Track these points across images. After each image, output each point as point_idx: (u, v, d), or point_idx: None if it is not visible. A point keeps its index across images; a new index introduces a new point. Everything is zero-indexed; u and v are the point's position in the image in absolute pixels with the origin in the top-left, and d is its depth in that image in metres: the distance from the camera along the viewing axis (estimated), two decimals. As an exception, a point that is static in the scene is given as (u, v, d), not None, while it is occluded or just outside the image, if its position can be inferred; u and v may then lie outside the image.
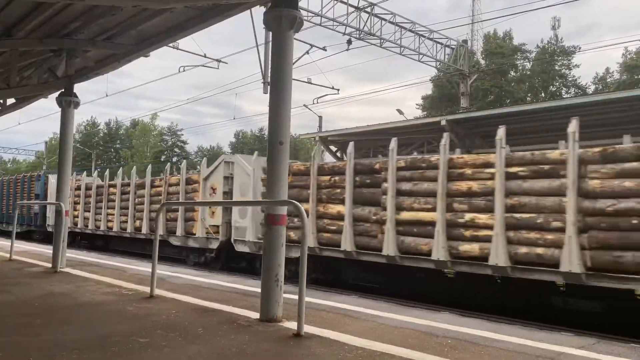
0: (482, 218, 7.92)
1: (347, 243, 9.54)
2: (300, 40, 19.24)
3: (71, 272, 8.47)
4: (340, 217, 9.77)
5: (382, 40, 20.73)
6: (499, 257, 7.57)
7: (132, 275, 8.37)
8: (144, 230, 14.90)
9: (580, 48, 41.42)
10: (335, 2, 18.93)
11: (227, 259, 12.83)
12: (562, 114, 12.20)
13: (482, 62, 42.69)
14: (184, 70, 22.02)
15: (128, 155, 63.62)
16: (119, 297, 6.26)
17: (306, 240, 4.57)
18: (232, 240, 12.05)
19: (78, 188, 18.44)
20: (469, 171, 8.27)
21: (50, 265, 8.97)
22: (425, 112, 43.50)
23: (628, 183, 6.68)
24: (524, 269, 7.48)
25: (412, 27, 21.71)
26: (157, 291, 6.32)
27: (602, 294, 7.10)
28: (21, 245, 13.58)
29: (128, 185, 16.00)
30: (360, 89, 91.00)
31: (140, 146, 63.54)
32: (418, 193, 8.79)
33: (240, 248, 11.93)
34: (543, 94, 42.58)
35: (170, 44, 12.23)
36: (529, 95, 42.80)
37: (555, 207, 7.26)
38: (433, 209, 8.47)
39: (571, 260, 6.92)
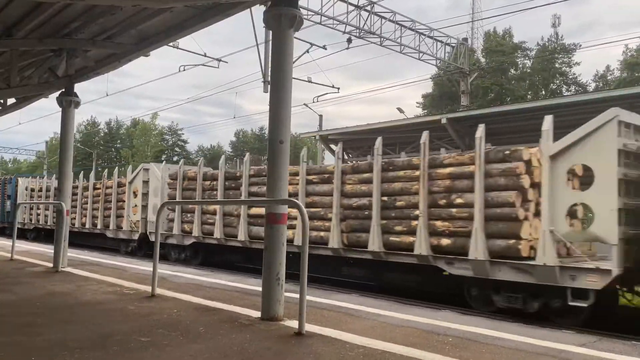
0: (293, 212, 10.24)
1: (218, 232, 12.29)
2: (300, 39, 19.22)
3: (72, 272, 8.48)
4: (215, 212, 12.49)
5: (382, 39, 20.69)
6: (299, 239, 10.19)
7: (133, 274, 8.38)
8: (87, 225, 17.77)
9: (580, 46, 41.47)
10: (335, 0, 18.91)
11: (145, 247, 15.34)
12: (562, 111, 12.20)
13: (483, 60, 42.68)
14: (184, 70, 21.94)
15: (129, 154, 63.63)
16: (120, 296, 6.27)
17: (306, 239, 4.57)
18: (147, 232, 14.73)
19: (40, 190, 21.40)
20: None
21: (51, 265, 8.99)
22: (425, 111, 43.49)
23: (364, 187, 9.63)
24: (313, 247, 10.04)
25: (412, 26, 21.67)
26: (158, 290, 6.33)
27: (370, 264, 9.77)
28: (22, 245, 13.61)
29: (77, 187, 18.44)
30: (360, 88, 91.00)
31: (140, 146, 63.50)
32: (260, 194, 11.29)
33: (153, 238, 14.07)
34: (543, 92, 42.55)
35: (170, 44, 12.29)
36: (529, 93, 42.77)
37: (330, 204, 10.05)
38: None
39: (334, 240, 9.81)
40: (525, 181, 7.55)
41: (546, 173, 7.23)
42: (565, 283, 6.94)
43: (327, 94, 24.34)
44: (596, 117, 6.98)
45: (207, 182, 12.87)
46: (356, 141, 16.96)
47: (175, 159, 62.53)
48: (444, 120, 13.41)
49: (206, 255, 13.46)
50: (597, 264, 6.85)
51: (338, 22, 19.18)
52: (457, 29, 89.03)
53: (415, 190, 8.74)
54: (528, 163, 7.67)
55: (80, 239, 18.15)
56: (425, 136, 8.61)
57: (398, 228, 8.93)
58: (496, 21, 46.76)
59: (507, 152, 7.84)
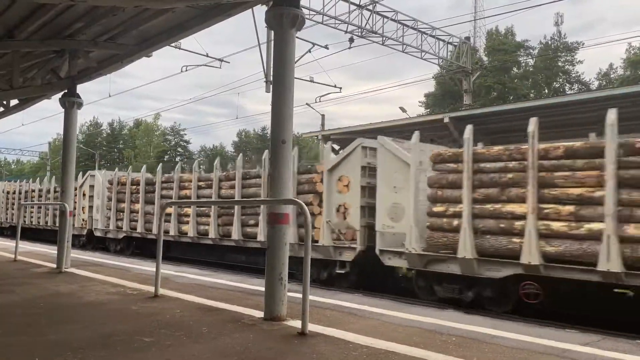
0: (189, 212, 13.37)
1: (140, 228, 14.83)
2: (302, 39, 19.19)
3: (75, 272, 8.50)
4: (137, 211, 15.00)
5: (384, 38, 20.65)
6: (193, 232, 13.12)
7: (136, 274, 8.40)
8: (49, 223, 20.19)
9: (583, 44, 41.35)
10: (337, 0, 18.90)
11: (92, 241, 17.90)
12: (565, 110, 12.18)
13: (485, 59, 42.59)
14: (186, 70, 22.02)
15: (131, 155, 63.75)
16: (123, 296, 6.28)
17: (309, 238, 4.56)
18: (92, 229, 17.31)
19: (14, 192, 23.38)
20: (186, 184, 13.67)
21: (54, 265, 9.01)
22: (428, 110, 43.44)
23: (231, 191, 12.24)
24: (201, 237, 13.02)
25: (414, 25, 21.63)
26: (161, 290, 6.33)
27: (240, 250, 12.35)
28: (26, 246, 13.64)
29: (41, 190, 21.11)
30: (362, 87, 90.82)
31: (143, 146, 63.69)
32: (168, 196, 14.03)
33: (97, 233, 17.28)
34: (546, 91, 42.45)
35: (173, 44, 12.33)
36: (532, 91, 42.66)
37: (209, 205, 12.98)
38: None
39: (213, 232, 12.52)
40: (319, 187, 10.33)
41: (325, 181, 10.18)
42: (336, 257, 10.00)
43: (329, 93, 24.35)
44: (351, 143, 9.92)
45: (134, 187, 15.32)
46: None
47: (177, 159, 62.64)
48: (446, 119, 13.38)
49: (135, 246, 15.88)
50: (350, 244, 9.72)
51: (340, 22, 19.16)
52: (460, 27, 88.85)
53: (259, 194, 11.43)
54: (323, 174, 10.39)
55: (44, 235, 20.54)
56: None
57: (251, 222, 11.76)
58: (498, 20, 46.73)
59: (310, 166, 11.08)
